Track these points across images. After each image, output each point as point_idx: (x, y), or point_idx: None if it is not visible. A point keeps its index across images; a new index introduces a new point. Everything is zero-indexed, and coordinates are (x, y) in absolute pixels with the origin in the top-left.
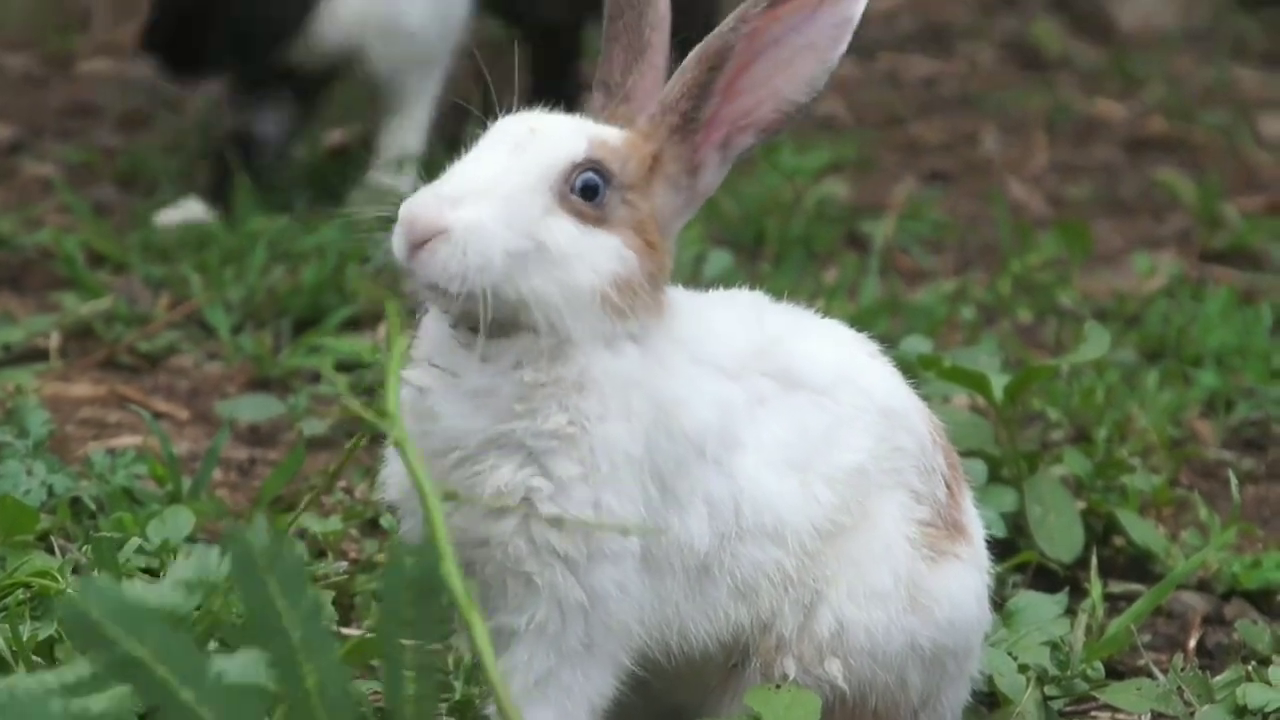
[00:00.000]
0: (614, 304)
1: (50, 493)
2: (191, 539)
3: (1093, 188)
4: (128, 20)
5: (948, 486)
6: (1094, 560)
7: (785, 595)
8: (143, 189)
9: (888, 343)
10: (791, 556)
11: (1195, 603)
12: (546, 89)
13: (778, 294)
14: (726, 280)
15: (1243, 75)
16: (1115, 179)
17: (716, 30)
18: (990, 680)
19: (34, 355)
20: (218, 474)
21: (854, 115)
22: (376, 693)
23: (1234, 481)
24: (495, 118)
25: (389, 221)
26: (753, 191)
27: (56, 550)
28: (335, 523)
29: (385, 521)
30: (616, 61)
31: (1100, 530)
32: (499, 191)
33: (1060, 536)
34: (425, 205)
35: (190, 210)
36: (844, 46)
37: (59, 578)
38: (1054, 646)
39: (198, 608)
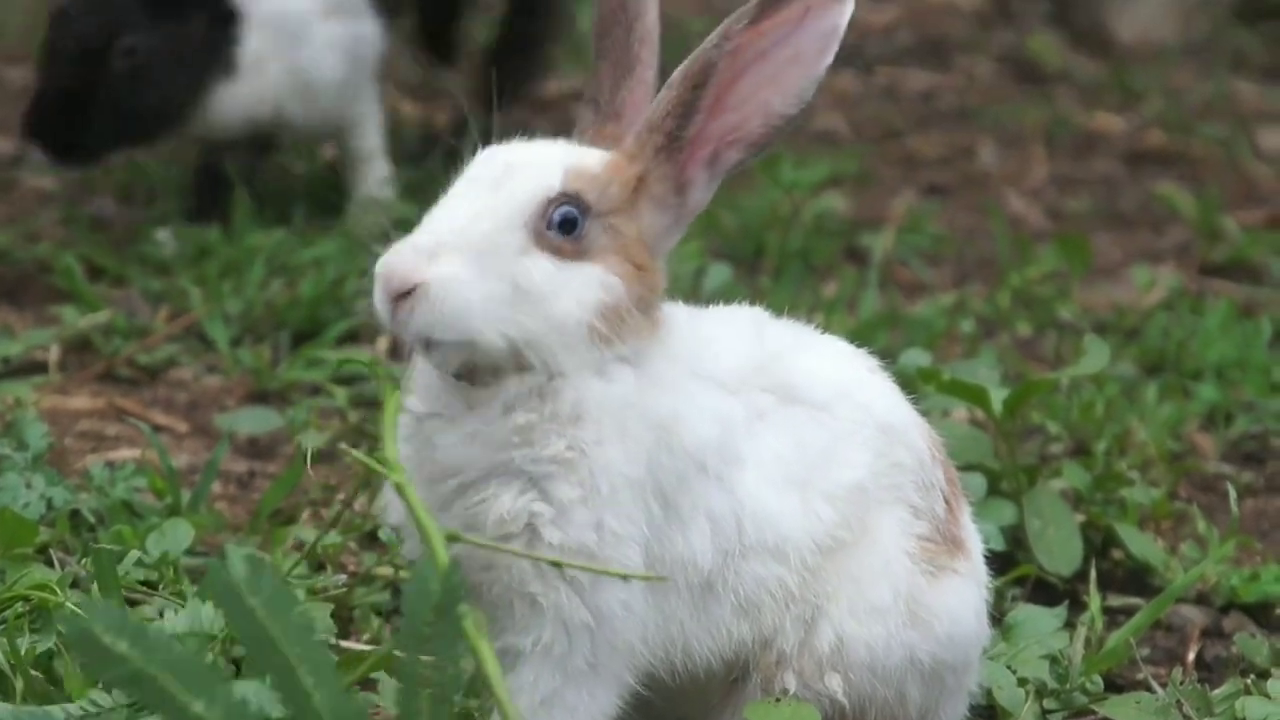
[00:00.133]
0: (601, 333)
1: (49, 505)
2: (191, 552)
3: (1092, 201)
4: None
5: (946, 502)
6: (1093, 573)
7: (787, 611)
8: (141, 202)
9: (887, 356)
10: (793, 573)
11: (1194, 616)
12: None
13: (777, 307)
14: (726, 293)
15: (1242, 88)
16: (1114, 192)
17: (700, 48)
18: (989, 693)
19: (33, 368)
20: (217, 487)
21: (853, 129)
22: (377, 707)
23: (1233, 495)
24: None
25: (385, 240)
26: (752, 205)
27: (56, 563)
28: (334, 536)
29: (383, 535)
30: (605, 78)
31: (1099, 543)
32: (472, 239)
33: (1059, 550)
34: (401, 260)
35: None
36: (830, 57)
37: (58, 591)
38: (1053, 660)
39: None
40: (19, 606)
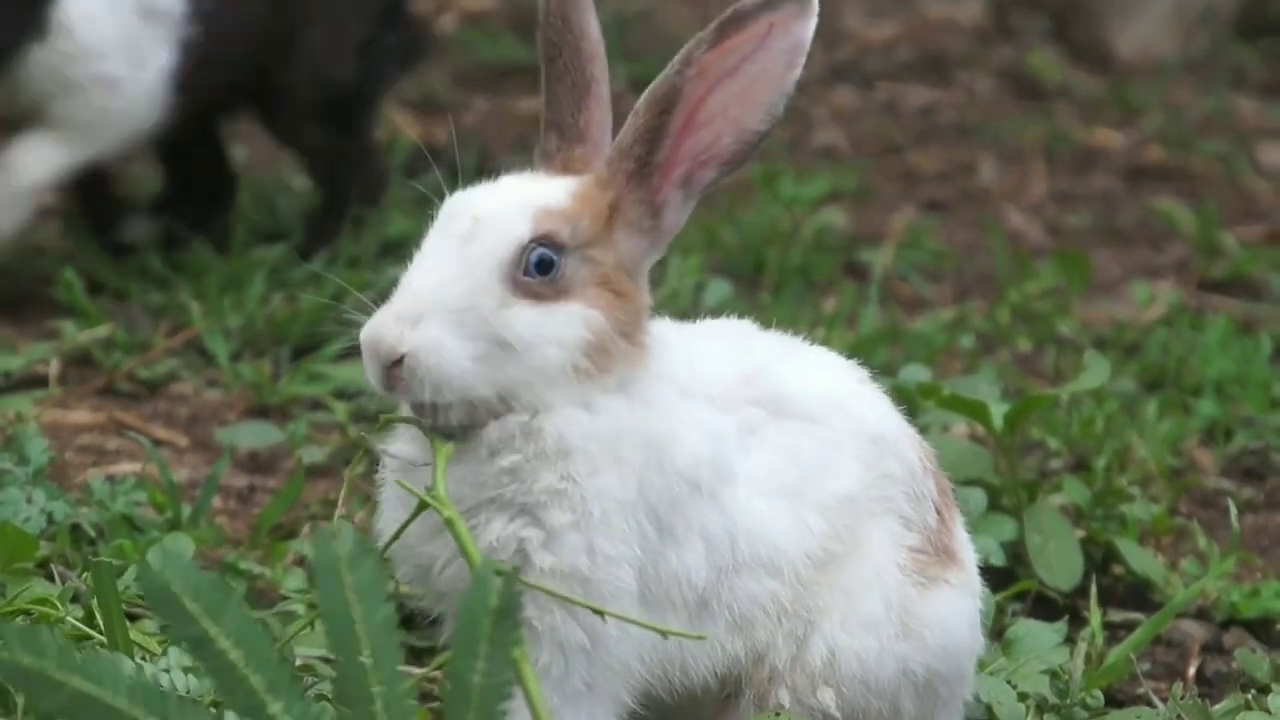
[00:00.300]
0: (586, 370)
1: (50, 520)
2: None
3: (1091, 217)
4: None
5: (938, 512)
6: (1093, 589)
7: (780, 626)
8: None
9: (887, 371)
10: (787, 587)
11: (1194, 631)
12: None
13: (778, 323)
14: (726, 309)
15: (1241, 104)
16: (1114, 208)
17: (663, 73)
18: (989, 709)
19: (34, 382)
20: (217, 501)
21: (853, 145)
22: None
23: (1233, 510)
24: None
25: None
26: (752, 221)
27: (56, 577)
28: None
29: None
30: (564, 102)
31: (1099, 559)
32: (451, 301)
33: (1059, 565)
34: (385, 330)
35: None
36: (799, 70)
37: (58, 605)
38: (1053, 675)
39: None
40: (19, 620)
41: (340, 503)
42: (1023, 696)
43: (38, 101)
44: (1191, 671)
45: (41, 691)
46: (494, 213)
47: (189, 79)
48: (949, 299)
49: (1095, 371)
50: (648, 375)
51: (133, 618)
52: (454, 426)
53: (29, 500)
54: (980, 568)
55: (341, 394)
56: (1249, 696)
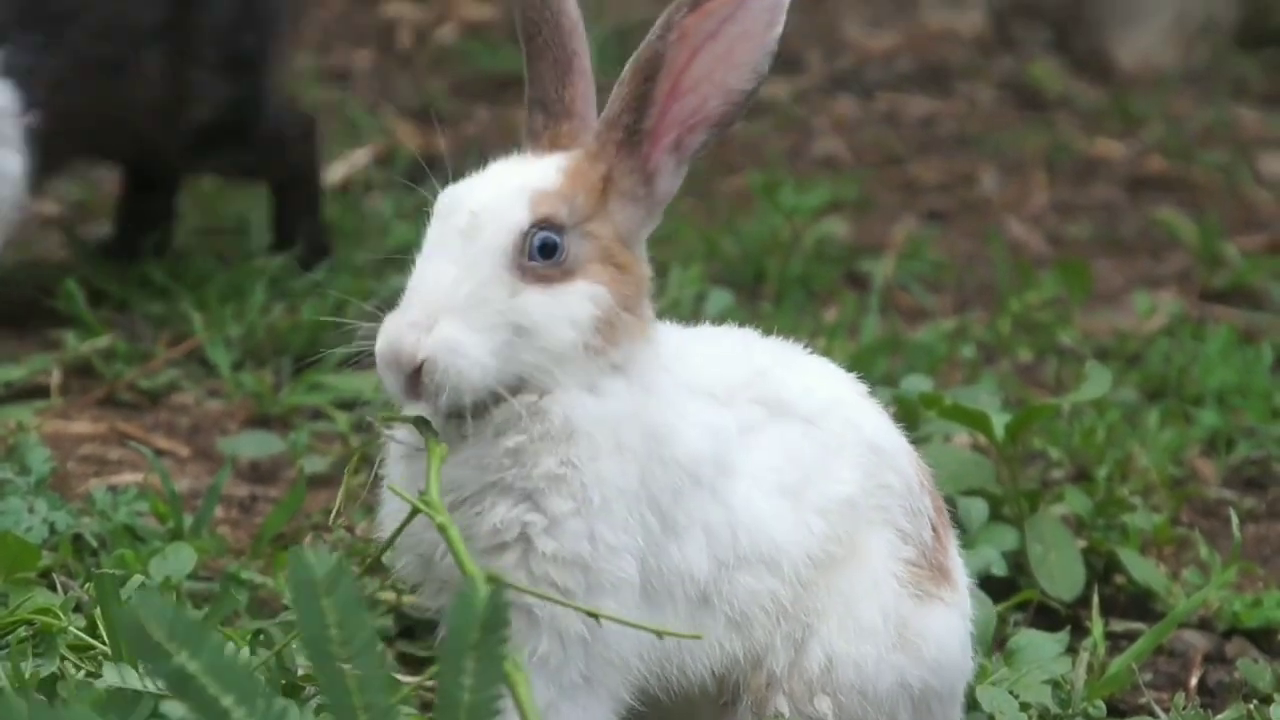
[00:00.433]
0: (595, 346)
1: (52, 530)
2: (194, 576)
3: (1092, 227)
4: None
5: (934, 530)
6: (1095, 599)
7: (778, 627)
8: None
9: (888, 381)
10: (786, 586)
11: (1196, 641)
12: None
13: (779, 333)
14: (727, 319)
15: (1242, 115)
16: (1115, 218)
17: (646, 39)
18: (991, 718)
19: (35, 392)
20: (219, 511)
21: (853, 155)
22: None
23: (1235, 520)
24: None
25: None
26: (753, 231)
27: (59, 587)
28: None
29: (387, 559)
30: (548, 78)
31: (1101, 569)
32: (461, 300)
33: (1061, 575)
34: (401, 339)
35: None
36: (780, 28)
37: (61, 615)
38: (1055, 685)
39: None
40: (22, 631)
41: (337, 510)
42: (1025, 707)
43: None
44: (1194, 681)
45: None
46: (491, 203)
47: (55, 156)
48: (950, 309)
49: (1096, 381)
50: (651, 366)
51: None
52: (465, 408)
53: (31, 510)
54: (982, 578)
55: (343, 404)
56: (1251, 707)
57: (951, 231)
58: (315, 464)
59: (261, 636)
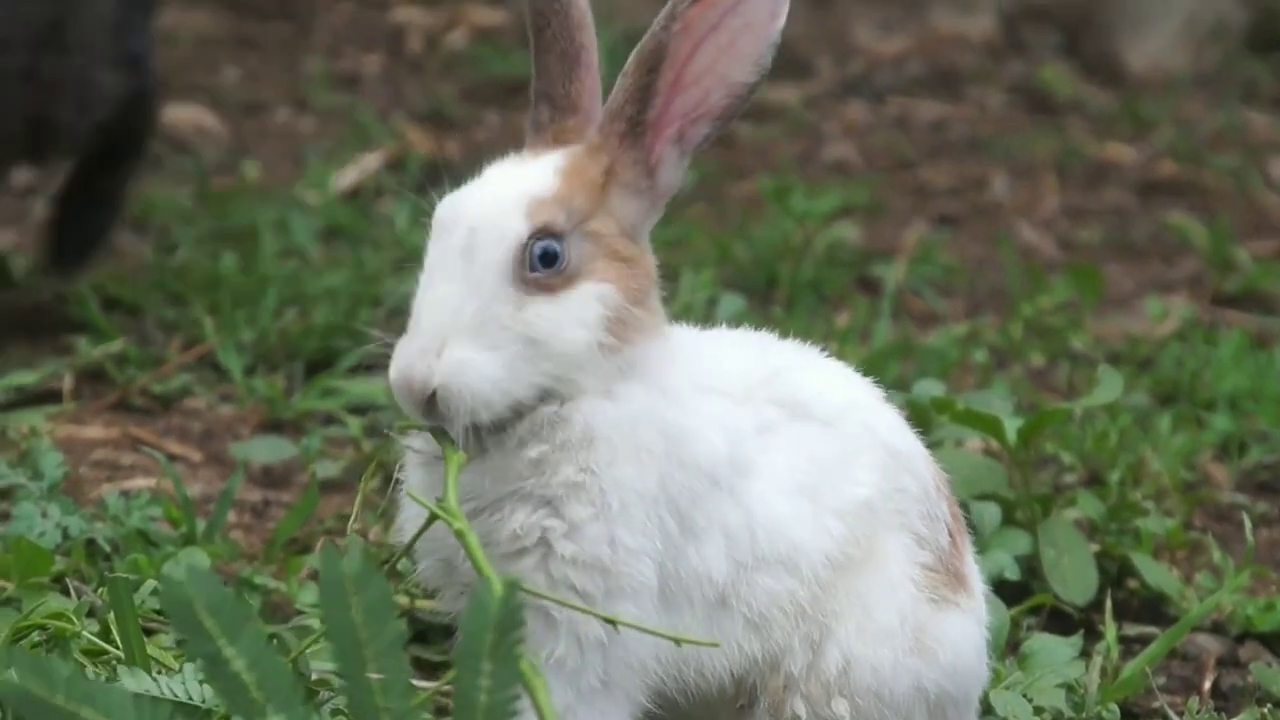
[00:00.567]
0: (609, 345)
1: (65, 535)
2: None
3: (1103, 231)
4: None
5: (951, 536)
6: (1108, 603)
7: (796, 628)
8: (155, 231)
9: (900, 386)
10: (804, 587)
11: (1210, 645)
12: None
13: (791, 338)
14: (739, 323)
15: (1253, 119)
16: (1126, 222)
17: (650, 31)
18: None
19: (47, 397)
20: (232, 516)
21: (864, 159)
22: None
23: (1248, 524)
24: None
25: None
26: (764, 235)
27: (72, 592)
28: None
29: (402, 566)
30: (555, 72)
31: (1114, 573)
32: (467, 320)
33: (1074, 579)
34: (412, 368)
35: None
36: (782, 20)
37: (74, 620)
38: (1069, 689)
39: None
40: (35, 635)
41: (354, 517)
42: (1038, 710)
43: None
44: (1207, 685)
45: None
46: (488, 218)
47: None
48: (961, 314)
49: (1109, 386)
50: (667, 364)
51: (149, 632)
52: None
53: (44, 515)
54: (995, 582)
55: (355, 408)
56: (1265, 710)
57: (962, 236)
58: (328, 469)
59: (275, 641)
